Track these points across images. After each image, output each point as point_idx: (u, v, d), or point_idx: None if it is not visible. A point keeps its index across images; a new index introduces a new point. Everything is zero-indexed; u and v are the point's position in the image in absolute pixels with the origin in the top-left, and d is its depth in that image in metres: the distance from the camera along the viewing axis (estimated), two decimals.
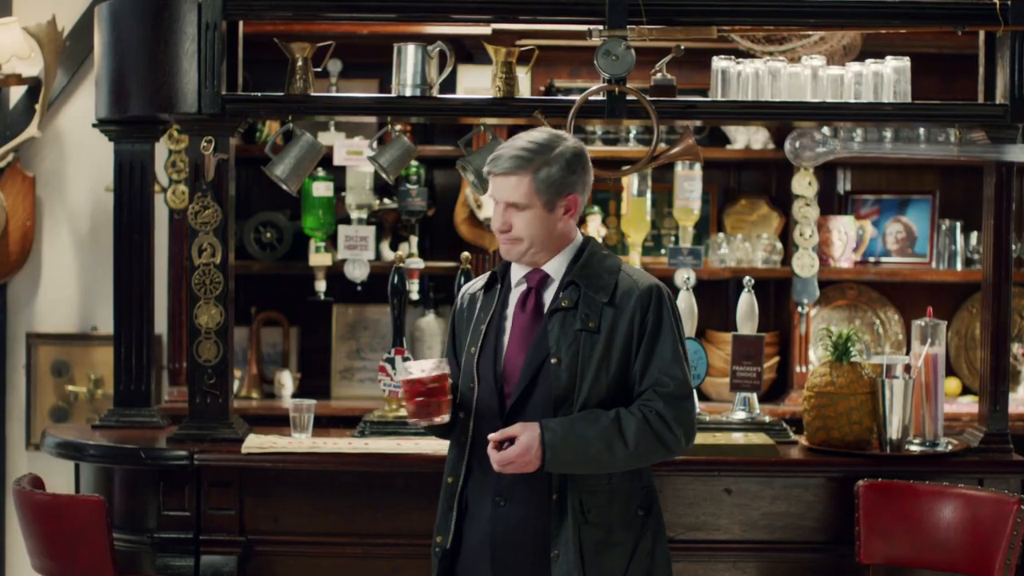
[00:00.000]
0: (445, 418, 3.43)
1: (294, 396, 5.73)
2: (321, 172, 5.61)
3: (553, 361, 3.35)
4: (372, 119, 5.66)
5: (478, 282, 3.57)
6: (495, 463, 3.32)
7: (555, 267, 3.45)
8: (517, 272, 3.49)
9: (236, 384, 5.76)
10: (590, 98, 4.20)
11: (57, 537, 3.86)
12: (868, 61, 4.36)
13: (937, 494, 3.95)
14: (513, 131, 5.69)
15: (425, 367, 3.39)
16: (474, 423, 3.44)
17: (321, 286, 5.67)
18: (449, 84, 5.11)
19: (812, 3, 4.26)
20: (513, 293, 3.49)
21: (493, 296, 3.50)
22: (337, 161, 5.42)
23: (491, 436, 3.33)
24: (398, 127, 4.72)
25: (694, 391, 3.44)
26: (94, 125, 4.63)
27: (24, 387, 6.08)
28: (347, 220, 5.62)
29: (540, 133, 3.45)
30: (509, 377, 3.41)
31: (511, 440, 3.31)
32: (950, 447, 4.28)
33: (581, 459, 3.31)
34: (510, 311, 3.47)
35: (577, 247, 3.47)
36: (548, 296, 3.44)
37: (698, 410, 4.47)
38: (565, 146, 3.42)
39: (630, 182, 5.67)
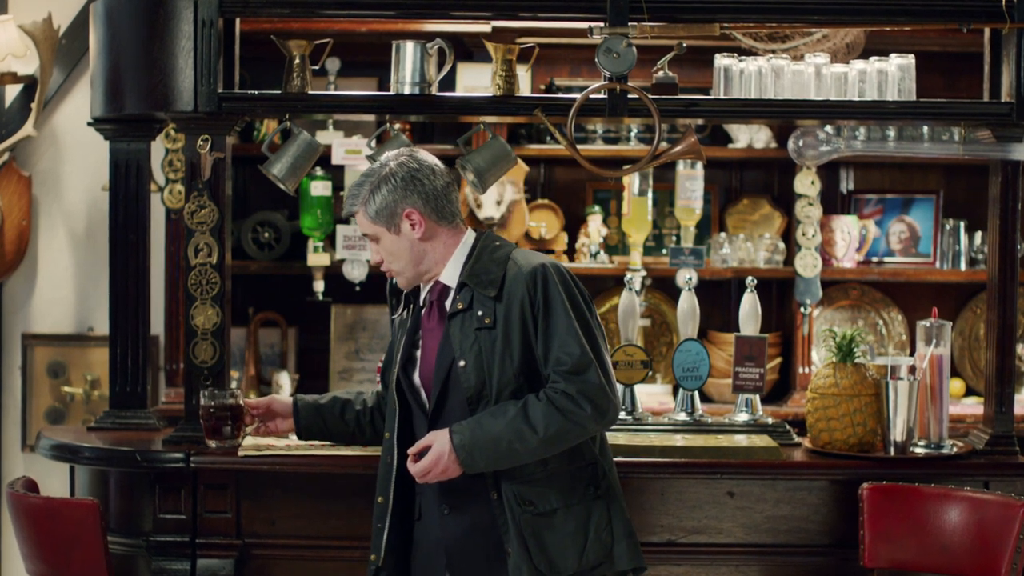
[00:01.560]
0: (231, 440, 3.97)
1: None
2: (319, 171, 5.59)
3: (461, 364, 3.40)
4: (370, 117, 5.63)
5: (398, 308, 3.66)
6: (415, 475, 3.39)
7: (449, 274, 3.51)
8: (423, 289, 3.56)
9: (233, 385, 5.73)
10: (591, 96, 4.16)
11: (51, 541, 3.83)
12: (872, 59, 4.32)
13: (942, 497, 3.92)
14: (513, 129, 5.77)
15: (216, 396, 3.98)
16: (399, 441, 3.49)
17: (319, 286, 5.64)
18: (448, 82, 5.08)
19: (815, 0, 4.22)
20: (424, 310, 3.55)
21: (408, 317, 3.58)
22: (335, 160, 5.39)
23: (409, 450, 3.41)
24: (397, 126, 4.68)
25: (599, 360, 3.36)
26: (90, 124, 4.59)
27: (20, 388, 6.05)
28: (346, 220, 5.59)
29: (372, 163, 3.53)
30: (427, 388, 3.48)
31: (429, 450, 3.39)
32: (955, 449, 4.24)
33: (496, 455, 3.34)
34: (423, 329, 3.54)
35: (468, 248, 3.51)
36: (449, 303, 3.49)
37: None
38: (388, 169, 3.48)
39: (631, 181, 5.64)
